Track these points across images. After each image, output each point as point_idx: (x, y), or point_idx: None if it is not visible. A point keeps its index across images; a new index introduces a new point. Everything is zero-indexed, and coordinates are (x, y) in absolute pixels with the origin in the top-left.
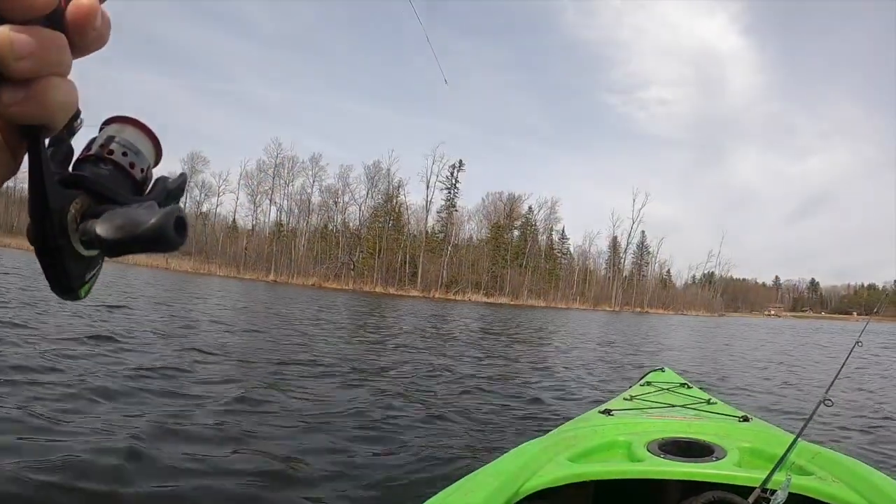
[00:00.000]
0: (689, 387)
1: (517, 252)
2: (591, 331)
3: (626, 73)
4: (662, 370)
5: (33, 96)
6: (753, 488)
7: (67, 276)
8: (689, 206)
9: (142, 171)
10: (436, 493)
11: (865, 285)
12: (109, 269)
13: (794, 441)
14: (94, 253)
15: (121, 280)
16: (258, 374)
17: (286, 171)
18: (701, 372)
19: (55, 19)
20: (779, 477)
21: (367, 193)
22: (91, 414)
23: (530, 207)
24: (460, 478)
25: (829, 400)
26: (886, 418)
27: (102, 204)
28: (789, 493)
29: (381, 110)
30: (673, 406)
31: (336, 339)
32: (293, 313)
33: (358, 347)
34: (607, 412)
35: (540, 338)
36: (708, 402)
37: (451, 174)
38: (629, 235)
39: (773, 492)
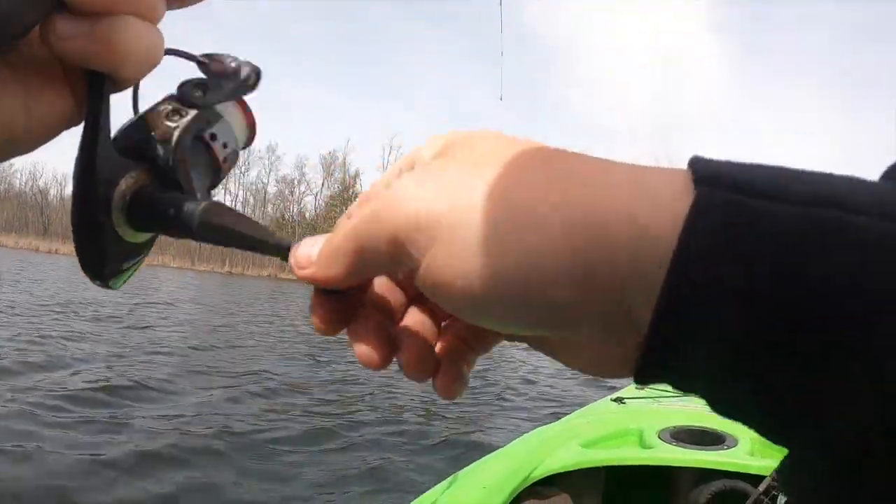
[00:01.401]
0: None
1: None
2: None
3: (587, 67)
4: None
5: (98, 34)
6: (764, 477)
7: (102, 259)
8: None
9: (225, 158)
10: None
11: None
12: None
13: None
14: (140, 239)
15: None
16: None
17: (242, 160)
18: None
19: None
20: None
21: (323, 183)
22: None
23: None
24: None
25: None
26: None
27: (166, 187)
28: None
29: (339, 98)
30: (685, 394)
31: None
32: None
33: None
34: (619, 400)
35: None
36: None
37: None
38: None
39: None
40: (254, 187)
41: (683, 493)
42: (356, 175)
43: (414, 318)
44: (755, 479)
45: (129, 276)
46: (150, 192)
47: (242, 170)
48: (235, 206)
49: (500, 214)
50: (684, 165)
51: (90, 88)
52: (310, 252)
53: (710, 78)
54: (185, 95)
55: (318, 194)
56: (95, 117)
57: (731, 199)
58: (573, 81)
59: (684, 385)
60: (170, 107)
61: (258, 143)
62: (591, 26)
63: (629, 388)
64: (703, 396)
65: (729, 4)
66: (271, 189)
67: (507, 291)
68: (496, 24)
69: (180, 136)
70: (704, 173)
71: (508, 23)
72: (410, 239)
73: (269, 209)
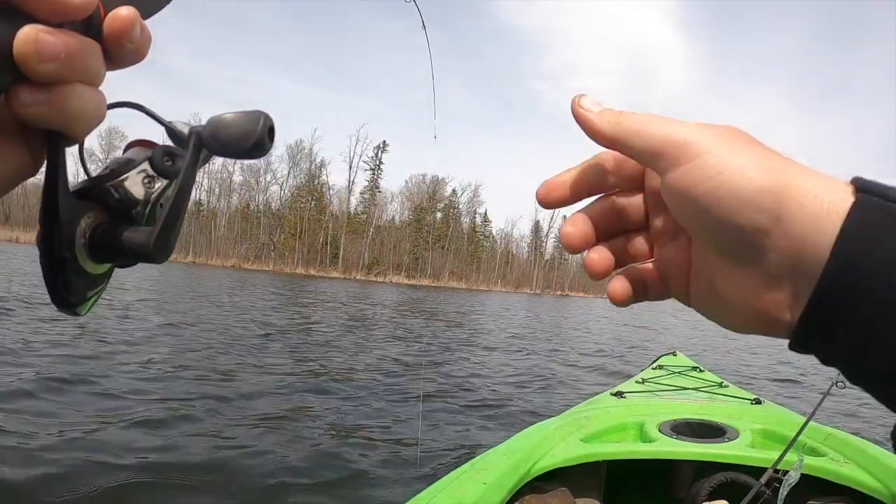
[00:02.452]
0: (700, 370)
1: (439, 234)
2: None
3: (558, 62)
4: (674, 354)
5: (54, 101)
6: (765, 469)
7: (67, 290)
8: None
9: (159, 195)
10: (445, 474)
11: None
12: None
13: (806, 422)
14: (101, 270)
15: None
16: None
17: None
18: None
19: (91, 26)
20: (791, 457)
21: (289, 173)
22: None
23: (454, 190)
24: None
25: (842, 382)
26: None
27: (118, 222)
28: (801, 474)
29: (306, 87)
30: (685, 389)
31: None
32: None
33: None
34: (619, 394)
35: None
36: (720, 385)
37: (376, 155)
38: (551, 220)
39: (786, 472)
40: (219, 176)
41: (685, 486)
42: (322, 165)
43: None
44: (756, 472)
45: (94, 303)
46: (106, 229)
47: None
48: (199, 194)
49: (734, 157)
50: None
51: (49, 145)
52: (598, 103)
53: (677, 74)
54: (156, 164)
55: (284, 184)
56: (55, 169)
57: (881, 204)
58: (545, 74)
59: (834, 348)
60: (143, 175)
61: None
62: (563, 20)
63: (629, 383)
64: (846, 366)
65: (698, 3)
66: (237, 178)
67: (723, 202)
68: (465, 14)
69: (154, 201)
70: (863, 186)
71: (481, 13)
72: (674, 151)
73: (235, 199)
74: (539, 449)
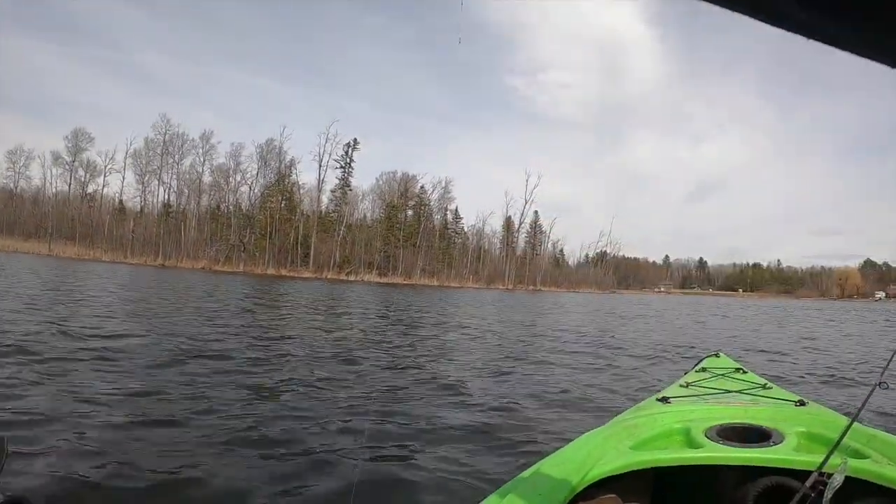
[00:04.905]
0: (744, 371)
1: (411, 232)
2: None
3: (530, 57)
4: (717, 355)
5: None
6: (810, 472)
7: None
8: (588, 187)
9: None
10: (501, 485)
11: (751, 264)
12: None
13: (850, 424)
14: None
15: None
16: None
17: (176, 148)
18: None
19: None
20: (835, 461)
21: (258, 172)
22: None
23: (423, 187)
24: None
25: (885, 383)
26: None
27: None
28: (846, 477)
29: (277, 85)
30: (729, 392)
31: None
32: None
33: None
34: (664, 400)
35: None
36: (764, 386)
37: (346, 153)
38: (522, 215)
39: (830, 475)
40: (188, 177)
41: (731, 491)
42: (292, 164)
43: None
44: (802, 475)
45: None
46: None
47: (176, 158)
48: (169, 196)
49: None
50: (625, 153)
51: None
52: None
53: (650, 72)
54: None
55: (254, 184)
56: None
57: None
58: (516, 69)
59: None
60: None
61: (193, 132)
62: (536, 15)
63: (674, 388)
64: None
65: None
66: (206, 179)
67: None
68: (439, 12)
69: None
70: None
71: (449, 7)
72: None
73: (205, 200)
74: (591, 457)
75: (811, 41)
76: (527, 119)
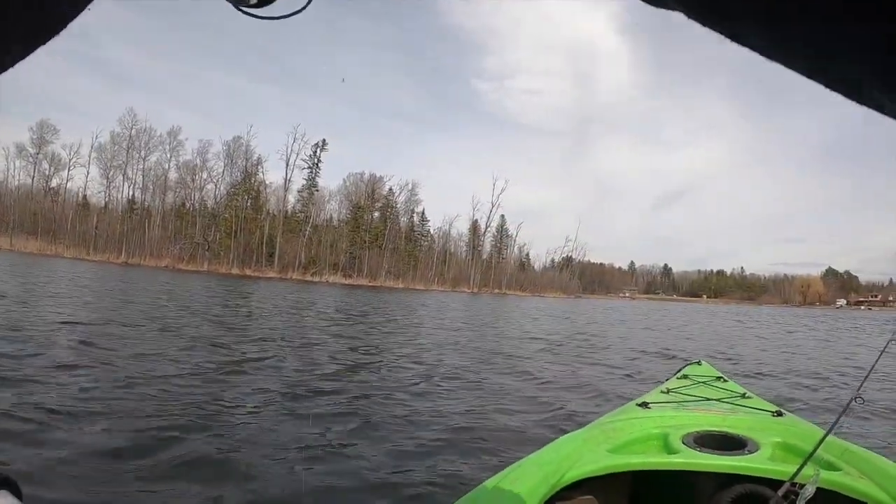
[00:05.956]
0: (724, 380)
1: (377, 233)
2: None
3: (501, 62)
4: (699, 363)
5: None
6: (784, 482)
7: None
8: (556, 193)
9: None
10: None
11: (714, 271)
12: None
13: (824, 437)
14: None
15: None
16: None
17: (142, 144)
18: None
19: None
20: (808, 471)
21: (224, 170)
22: None
23: (391, 189)
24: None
25: (861, 397)
26: None
27: None
28: (818, 488)
29: (250, 84)
30: (709, 399)
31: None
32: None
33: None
34: (644, 405)
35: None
36: (743, 395)
37: (314, 153)
38: (488, 219)
39: (802, 486)
40: (153, 173)
41: (706, 497)
42: (259, 162)
43: None
44: (775, 484)
45: None
46: None
47: (143, 154)
48: (133, 193)
49: None
50: (594, 160)
51: None
52: None
53: (622, 81)
54: None
55: (220, 182)
56: None
57: None
58: (483, 74)
59: None
60: None
61: (160, 128)
62: (509, 21)
63: (654, 393)
64: None
65: (640, 8)
66: (172, 175)
67: None
68: (412, 14)
69: None
70: None
71: (422, 10)
72: None
73: (170, 197)
74: (569, 459)
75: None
76: (496, 124)
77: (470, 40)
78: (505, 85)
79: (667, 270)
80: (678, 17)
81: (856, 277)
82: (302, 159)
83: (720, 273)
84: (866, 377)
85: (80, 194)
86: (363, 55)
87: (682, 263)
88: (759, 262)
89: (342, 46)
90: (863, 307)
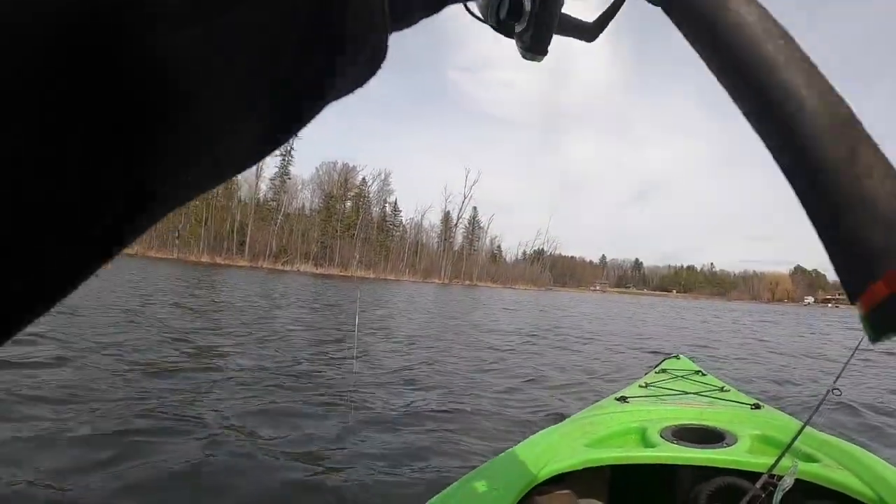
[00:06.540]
0: (703, 374)
1: (349, 223)
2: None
3: (476, 53)
4: (677, 357)
5: None
6: (762, 473)
7: None
8: (528, 186)
9: None
10: (454, 480)
11: (685, 266)
12: None
13: (801, 429)
14: None
15: None
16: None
17: None
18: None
19: None
20: (786, 463)
21: None
22: None
23: (364, 179)
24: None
25: (838, 390)
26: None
27: None
28: (796, 479)
29: None
30: (687, 393)
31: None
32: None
33: None
34: (623, 399)
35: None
36: (721, 389)
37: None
38: (460, 211)
39: (781, 477)
40: None
41: (685, 490)
42: None
43: None
44: (753, 476)
45: None
46: None
47: None
48: None
49: None
50: (567, 154)
51: None
52: None
53: (597, 78)
54: None
55: None
56: None
57: None
58: (459, 64)
59: None
60: None
61: None
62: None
63: (633, 388)
64: None
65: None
66: None
67: None
68: None
69: None
70: None
71: None
72: None
73: None
74: (546, 454)
75: None
76: (470, 115)
77: (444, 30)
78: (478, 77)
79: (638, 265)
80: (652, 17)
81: (824, 275)
82: None
83: (690, 268)
84: (843, 369)
85: None
86: None
87: (653, 258)
88: (729, 258)
89: None
90: (830, 304)
